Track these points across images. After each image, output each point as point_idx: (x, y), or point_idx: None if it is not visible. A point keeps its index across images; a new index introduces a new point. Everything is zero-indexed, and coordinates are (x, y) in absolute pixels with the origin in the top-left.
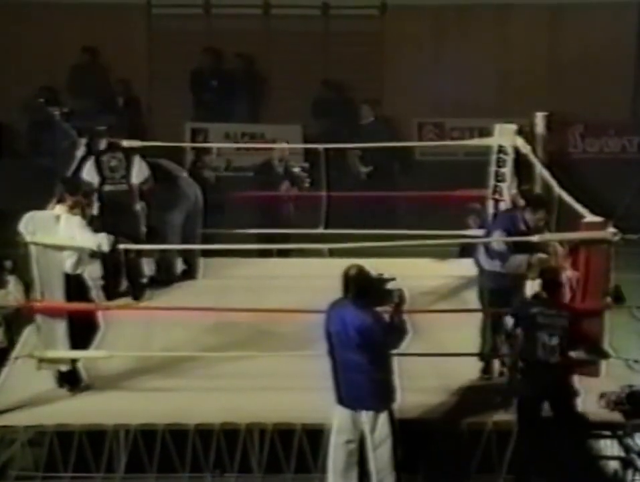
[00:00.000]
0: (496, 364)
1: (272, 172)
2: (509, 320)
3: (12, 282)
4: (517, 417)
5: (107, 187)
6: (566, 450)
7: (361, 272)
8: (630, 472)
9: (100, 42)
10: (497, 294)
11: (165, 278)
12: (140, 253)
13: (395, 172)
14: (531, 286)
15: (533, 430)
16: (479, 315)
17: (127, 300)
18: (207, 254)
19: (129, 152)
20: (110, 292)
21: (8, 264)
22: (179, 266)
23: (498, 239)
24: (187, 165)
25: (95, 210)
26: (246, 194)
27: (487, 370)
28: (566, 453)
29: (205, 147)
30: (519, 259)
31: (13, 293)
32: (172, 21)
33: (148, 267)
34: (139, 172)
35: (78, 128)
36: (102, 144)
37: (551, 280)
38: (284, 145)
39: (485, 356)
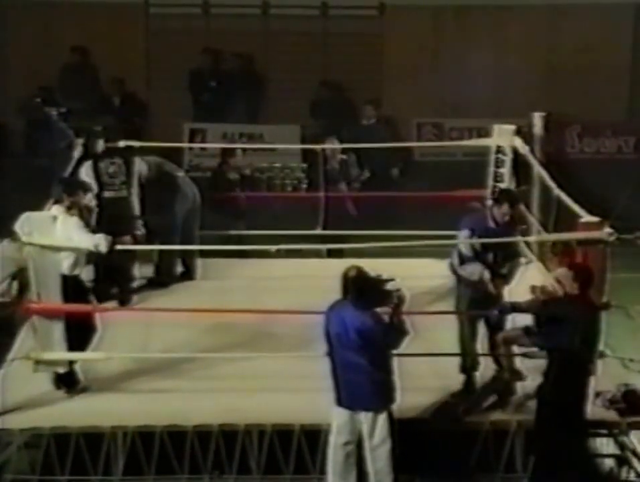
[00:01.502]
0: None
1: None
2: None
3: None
4: (540, 418)
5: (107, 194)
6: (563, 448)
7: (360, 274)
8: (625, 470)
9: (98, 42)
10: (476, 301)
11: (164, 279)
12: (134, 256)
13: (395, 173)
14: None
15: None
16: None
17: (114, 304)
18: (206, 254)
19: (128, 156)
20: (101, 295)
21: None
22: (177, 269)
23: (496, 240)
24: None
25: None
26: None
27: (469, 385)
28: (563, 451)
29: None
30: (475, 269)
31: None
32: (170, 20)
33: (145, 269)
34: (141, 168)
35: (75, 128)
36: (99, 146)
37: (583, 274)
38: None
39: (467, 369)
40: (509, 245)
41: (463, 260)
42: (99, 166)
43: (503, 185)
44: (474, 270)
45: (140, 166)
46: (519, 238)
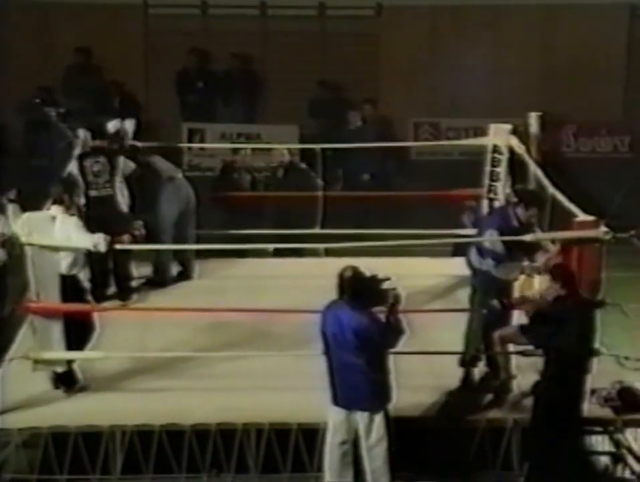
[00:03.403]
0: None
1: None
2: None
3: (10, 210)
4: (537, 416)
5: (92, 193)
6: (559, 445)
7: (356, 274)
8: (620, 468)
9: (97, 42)
10: (491, 295)
11: (160, 280)
12: (130, 255)
13: (365, 178)
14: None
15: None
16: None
17: (114, 303)
18: (203, 254)
19: (112, 155)
20: (98, 295)
21: (11, 193)
22: (174, 270)
23: (491, 239)
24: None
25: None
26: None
27: (467, 379)
28: (558, 448)
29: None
30: (512, 266)
31: (5, 218)
32: (169, 21)
33: (143, 268)
34: (125, 167)
35: (75, 128)
36: (86, 144)
37: (561, 274)
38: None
39: (466, 363)
40: (533, 244)
41: (498, 259)
42: (84, 164)
43: (497, 184)
44: (511, 270)
45: (124, 165)
46: (515, 238)
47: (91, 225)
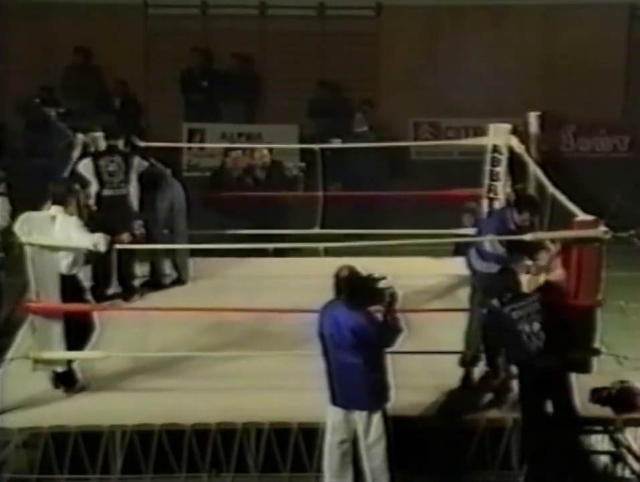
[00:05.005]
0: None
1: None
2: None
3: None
4: (523, 415)
5: (106, 192)
6: (558, 445)
7: (352, 273)
8: (620, 467)
9: (97, 42)
10: (490, 296)
11: (156, 281)
12: (134, 254)
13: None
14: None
15: (540, 427)
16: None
17: (116, 302)
18: (201, 253)
19: (128, 155)
20: (98, 295)
21: (0, 186)
22: (169, 271)
23: (491, 238)
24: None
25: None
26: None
27: (467, 379)
28: (558, 448)
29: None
30: (517, 267)
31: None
32: (169, 21)
33: (144, 268)
34: (140, 166)
35: (75, 128)
36: (100, 144)
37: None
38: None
39: (466, 363)
40: (534, 244)
41: (501, 262)
42: (99, 164)
43: (497, 184)
44: (517, 270)
45: (139, 164)
46: (514, 236)
47: (103, 224)
